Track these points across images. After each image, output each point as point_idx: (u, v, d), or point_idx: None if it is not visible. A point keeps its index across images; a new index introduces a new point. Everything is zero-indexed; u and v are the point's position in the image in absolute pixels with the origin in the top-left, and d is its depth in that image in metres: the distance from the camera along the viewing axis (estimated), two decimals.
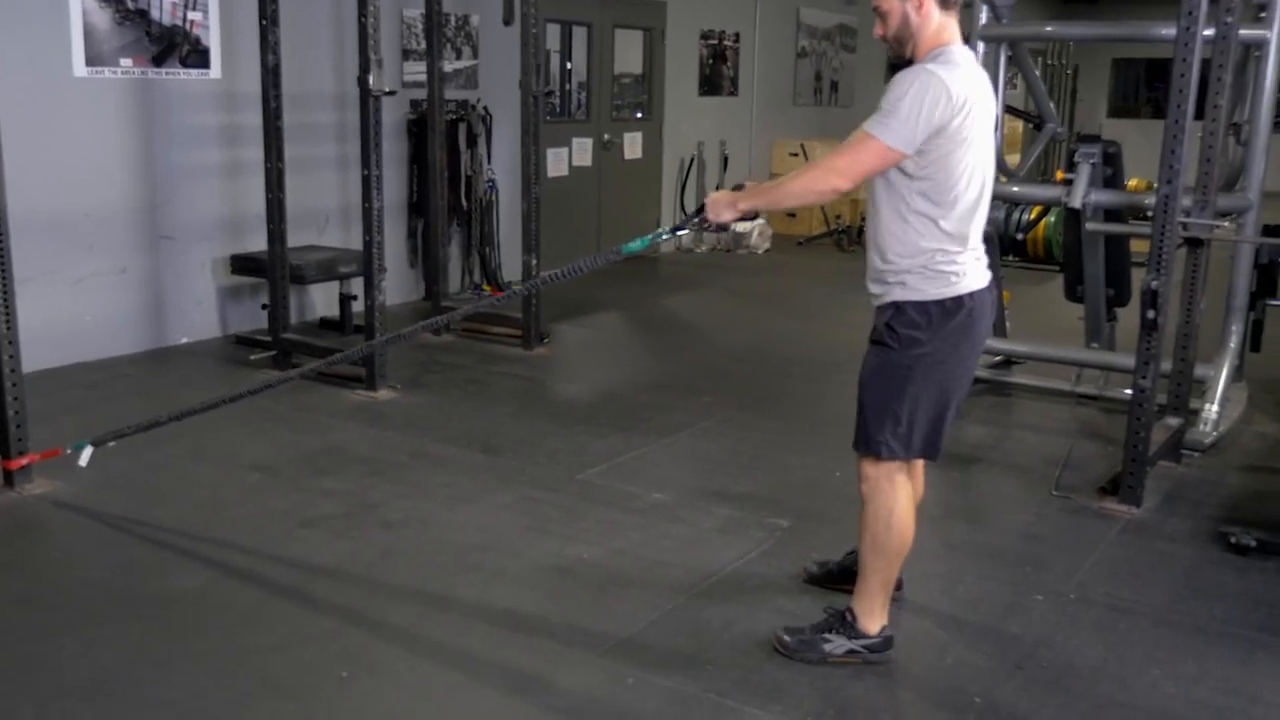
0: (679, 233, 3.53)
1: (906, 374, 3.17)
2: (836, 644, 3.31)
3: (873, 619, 3.31)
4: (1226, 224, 5.19)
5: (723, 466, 5.02)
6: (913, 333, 3.14)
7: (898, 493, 3.25)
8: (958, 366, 3.21)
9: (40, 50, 6.03)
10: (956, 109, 2.97)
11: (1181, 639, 3.52)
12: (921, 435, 3.22)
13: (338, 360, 4.49)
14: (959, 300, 3.13)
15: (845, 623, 3.33)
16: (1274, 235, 5.66)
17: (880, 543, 3.28)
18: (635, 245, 3.52)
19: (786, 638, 3.37)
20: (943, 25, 3.10)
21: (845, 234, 11.67)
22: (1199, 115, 4.71)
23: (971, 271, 3.17)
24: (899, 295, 3.15)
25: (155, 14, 6.50)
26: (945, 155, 3.01)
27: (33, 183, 5.91)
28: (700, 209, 3.32)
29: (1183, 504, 4.66)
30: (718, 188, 11.29)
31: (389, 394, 5.89)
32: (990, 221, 6.14)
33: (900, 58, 3.18)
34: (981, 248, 3.23)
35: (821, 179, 3.08)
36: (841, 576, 3.68)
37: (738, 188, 3.37)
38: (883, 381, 3.21)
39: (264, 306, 6.63)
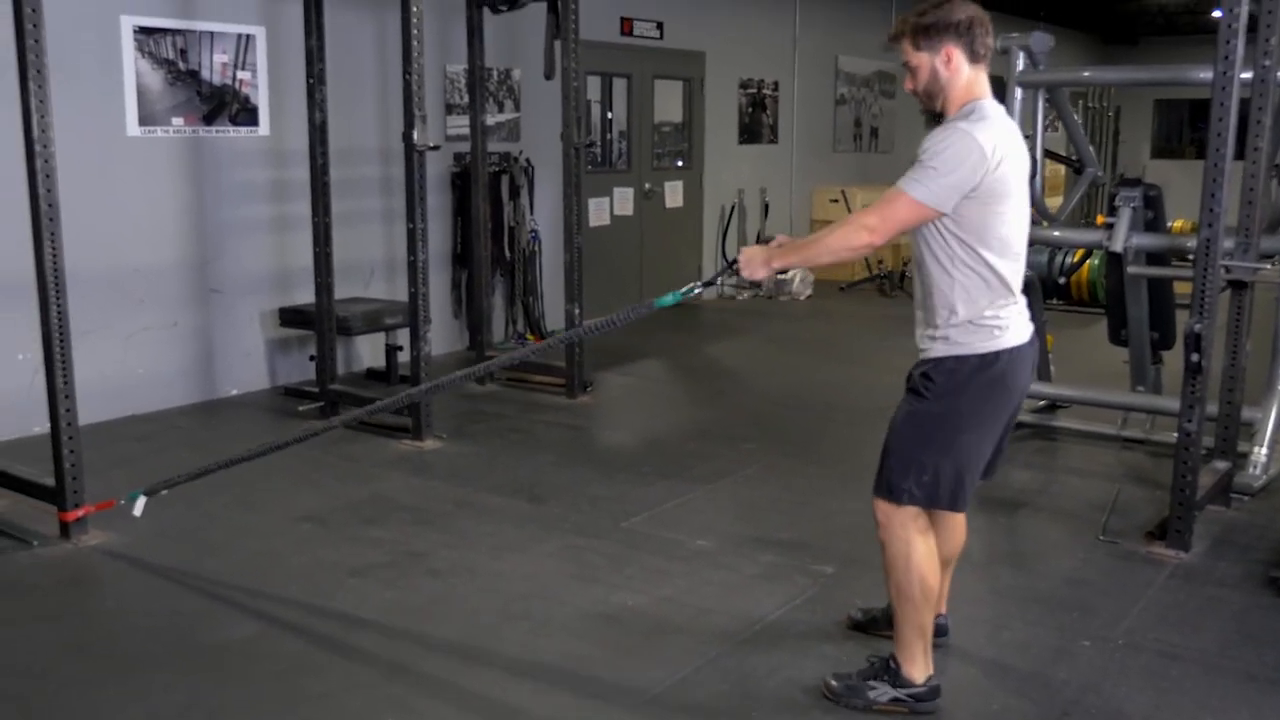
0: (710, 286, 3.54)
1: (937, 424, 3.18)
2: (881, 691, 3.31)
3: (915, 666, 3.30)
4: (1270, 266, 5.15)
5: (766, 513, 5.03)
6: (947, 384, 3.16)
7: (913, 537, 3.23)
8: (989, 420, 3.21)
9: (95, 111, 6.19)
10: (991, 166, 2.98)
11: (1233, 686, 3.48)
12: (947, 487, 3.20)
13: (379, 408, 4.52)
14: (997, 355, 3.14)
15: (890, 670, 3.32)
16: None
17: (904, 589, 3.26)
18: (668, 299, 3.53)
19: (834, 683, 3.37)
20: (972, 80, 3.12)
21: (888, 279, 11.67)
22: (1240, 156, 4.72)
23: (1014, 325, 3.18)
24: (942, 350, 3.17)
25: (206, 74, 6.67)
26: (984, 211, 3.03)
27: (87, 240, 6.06)
28: (733, 262, 3.34)
29: (1232, 548, 4.61)
30: (759, 235, 11.35)
31: (434, 443, 5.95)
32: (1032, 266, 6.18)
33: (930, 111, 3.21)
34: (1023, 300, 3.24)
35: (854, 235, 3.09)
36: (885, 623, 3.67)
37: (768, 240, 3.40)
38: (912, 430, 3.22)
39: (311, 358, 6.73)
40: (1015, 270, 3.17)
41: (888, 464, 3.26)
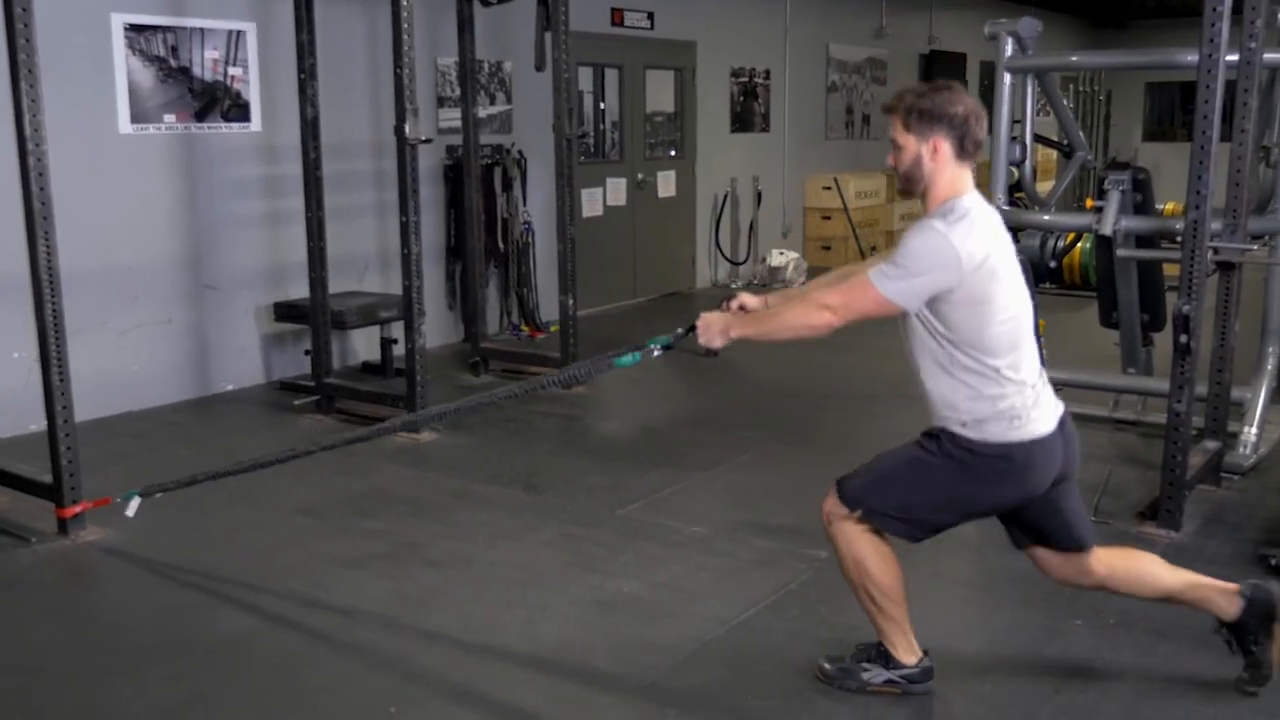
0: (669, 349, 3.42)
1: (932, 486, 3.13)
2: (875, 673, 3.34)
3: (901, 652, 3.33)
4: (1257, 247, 5.18)
5: (760, 500, 5.06)
6: (960, 458, 3.08)
7: (855, 539, 3.19)
8: (988, 501, 3.17)
9: (87, 109, 6.21)
10: (968, 271, 2.91)
11: (1222, 662, 3.51)
12: (910, 529, 3.18)
13: (384, 429, 4.50)
14: (1016, 447, 3.04)
15: (882, 653, 3.35)
16: None
17: (862, 587, 3.25)
18: (627, 359, 3.47)
19: (827, 666, 3.40)
20: (956, 176, 3.04)
21: None
22: (1226, 139, 4.75)
23: (1036, 414, 3.07)
24: (957, 430, 3.09)
25: (197, 71, 6.68)
26: (974, 314, 2.98)
27: (80, 237, 6.07)
28: (692, 328, 3.29)
29: (1222, 527, 4.65)
30: (752, 224, 11.39)
31: (430, 435, 5.98)
32: (1024, 250, 6.21)
33: (908, 193, 3.14)
34: (1044, 377, 3.15)
35: (816, 314, 3.07)
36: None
37: (729, 299, 3.38)
38: (905, 469, 3.17)
39: (307, 352, 6.75)
40: (1026, 357, 3.07)
41: (866, 477, 3.21)
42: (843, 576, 3.31)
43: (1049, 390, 3.16)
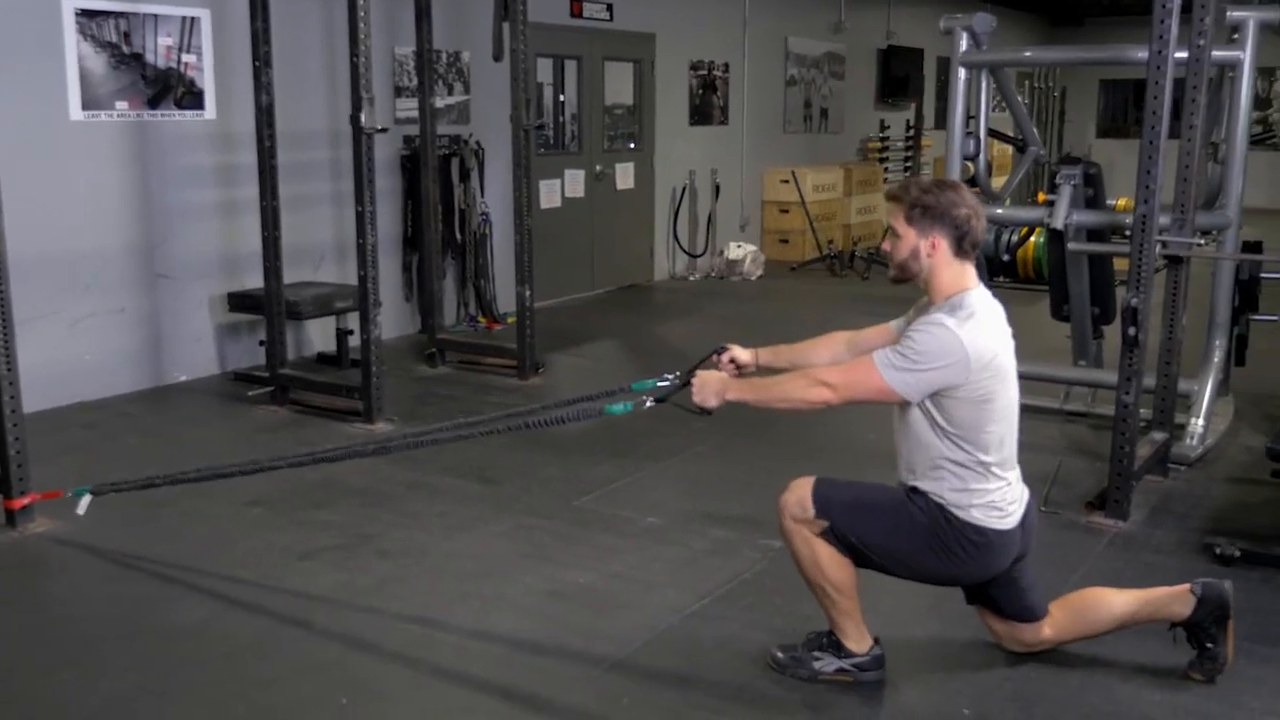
0: (662, 403, 3.39)
1: (905, 534, 3.17)
2: (826, 662, 3.37)
3: (852, 640, 3.36)
4: (1203, 241, 5.26)
5: (716, 490, 5.08)
6: (935, 523, 3.14)
7: (811, 536, 3.22)
8: (946, 573, 3.23)
9: (37, 95, 6.13)
10: (976, 369, 3.00)
11: (1166, 649, 3.56)
12: (858, 558, 3.22)
13: (355, 453, 4.34)
14: (994, 534, 3.14)
15: (833, 641, 3.38)
16: (1253, 252, 5.75)
17: (815, 582, 3.29)
18: (618, 409, 3.45)
19: (779, 654, 3.43)
20: (959, 272, 3.10)
21: (838, 259, 11.77)
22: (1176, 135, 4.82)
23: (1013, 507, 3.18)
24: (937, 497, 3.15)
25: (150, 57, 6.61)
26: (975, 410, 3.06)
27: (30, 225, 6.00)
28: (687, 382, 3.28)
29: (1169, 517, 4.72)
30: (710, 217, 11.41)
31: (385, 426, 5.96)
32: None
33: (900, 281, 3.20)
34: (1019, 471, 3.25)
35: (815, 390, 3.08)
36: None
37: (721, 353, 3.40)
38: (888, 510, 3.21)
39: (261, 343, 6.71)
40: (1011, 453, 3.18)
41: (847, 496, 3.24)
42: (796, 570, 3.33)
43: (1020, 482, 3.25)
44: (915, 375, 3.01)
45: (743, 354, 3.43)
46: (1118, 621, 3.44)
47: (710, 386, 3.22)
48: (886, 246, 3.20)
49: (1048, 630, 3.43)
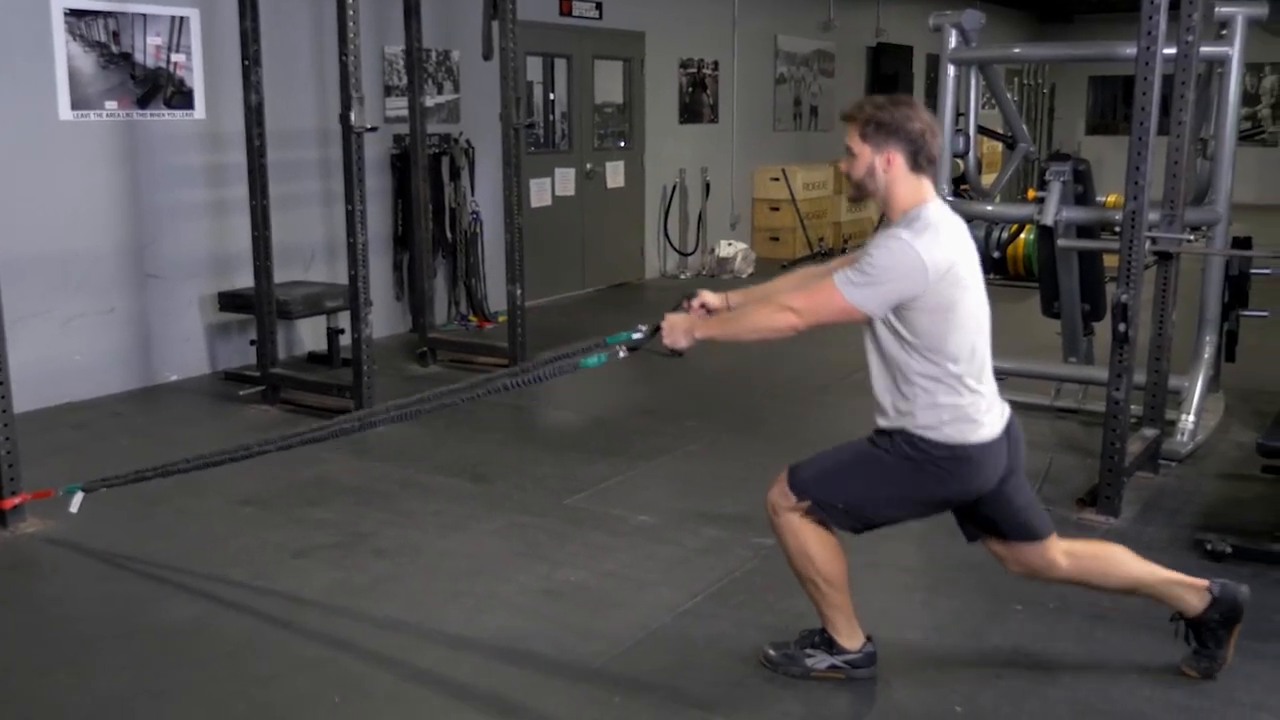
0: (633, 350, 3.42)
1: (883, 479, 3.17)
2: (819, 659, 3.37)
3: (844, 637, 3.36)
4: (1192, 237, 5.28)
5: (708, 488, 5.09)
6: (911, 455, 3.12)
7: (800, 527, 3.23)
8: (935, 500, 3.21)
9: (26, 95, 6.12)
10: (933, 279, 2.96)
11: (1158, 644, 3.58)
12: (854, 522, 3.22)
13: (341, 429, 4.39)
14: (969, 448, 3.10)
15: (825, 639, 3.39)
16: (1243, 247, 5.77)
17: (806, 575, 3.28)
18: (593, 360, 3.51)
19: (771, 652, 3.44)
20: (916, 186, 3.09)
21: (828, 257, 11.79)
22: (1166, 132, 4.83)
23: (990, 417, 3.13)
24: (901, 424, 3.13)
25: (139, 57, 6.60)
26: (937, 320, 3.02)
27: (20, 225, 6.01)
28: (657, 329, 3.30)
29: (1160, 513, 4.74)
30: (700, 215, 11.42)
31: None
32: None
33: (858, 200, 3.21)
34: (995, 385, 3.19)
35: (780, 317, 3.09)
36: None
37: (690, 298, 3.40)
38: (856, 463, 3.21)
39: (252, 342, 6.70)
40: (983, 366, 3.14)
41: (816, 468, 3.24)
42: (787, 565, 3.34)
43: (998, 397, 3.20)
44: (875, 290, 2.99)
45: (712, 298, 3.42)
46: (1131, 583, 3.40)
47: (679, 328, 3.25)
48: (844, 167, 3.18)
49: (1065, 562, 3.35)
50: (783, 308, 3.10)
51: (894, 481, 3.17)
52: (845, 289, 3.01)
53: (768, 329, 3.14)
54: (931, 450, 3.10)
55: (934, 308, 3.01)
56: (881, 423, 3.19)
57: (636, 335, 3.41)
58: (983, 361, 3.14)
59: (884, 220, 3.19)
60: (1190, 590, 3.39)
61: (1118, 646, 3.58)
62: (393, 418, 4.24)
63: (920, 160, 3.07)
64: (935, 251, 2.98)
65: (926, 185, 3.11)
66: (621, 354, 3.44)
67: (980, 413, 3.11)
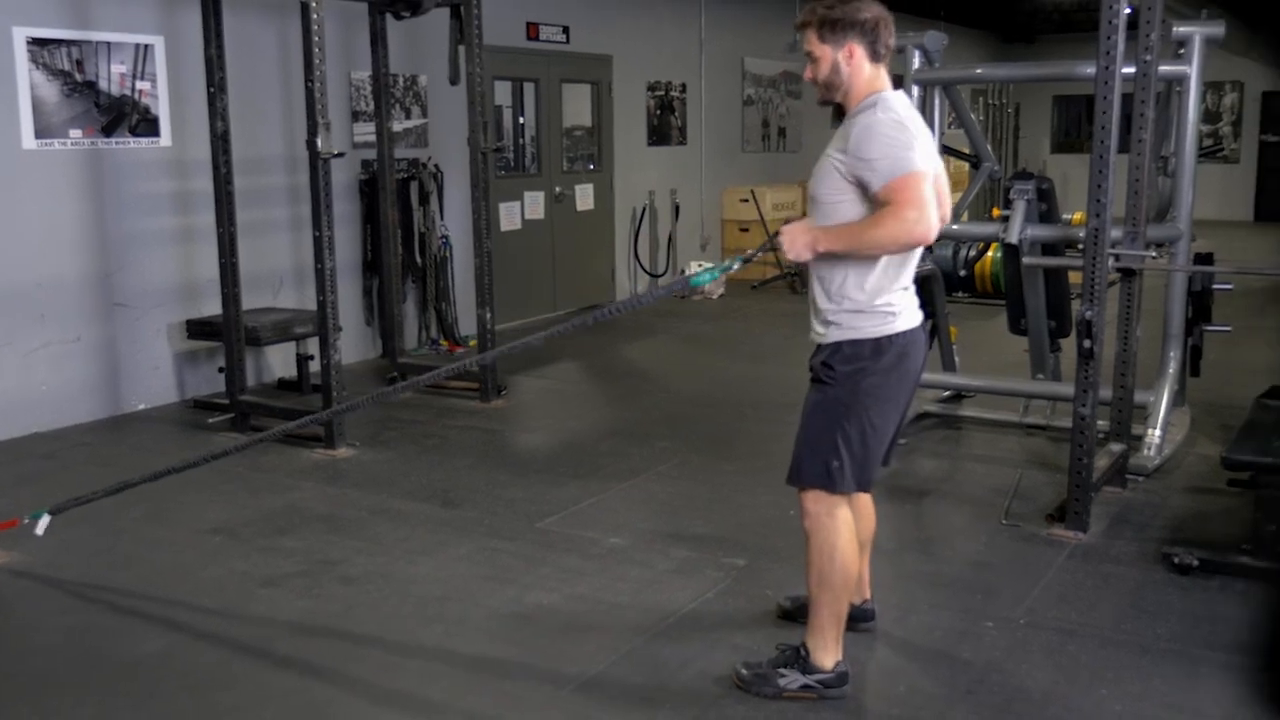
0: (750, 262, 3.52)
1: (844, 409, 3.26)
2: (791, 679, 3.38)
3: (826, 654, 3.38)
4: (1155, 254, 5.33)
5: (679, 509, 5.09)
6: (849, 368, 3.25)
7: (840, 526, 3.32)
8: (891, 401, 3.32)
9: None
10: (911, 141, 3.11)
11: (1127, 658, 3.61)
12: (856, 470, 3.30)
13: (304, 423, 4.53)
14: (891, 339, 3.25)
15: (800, 658, 3.39)
16: (1205, 263, 5.83)
17: (826, 577, 3.34)
18: (705, 278, 3.48)
19: (744, 671, 3.43)
20: (873, 76, 3.23)
21: (798, 277, 11.82)
22: (1128, 150, 4.88)
23: (906, 310, 3.29)
24: (836, 336, 3.27)
25: (104, 85, 6.57)
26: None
27: None
28: (775, 236, 3.25)
29: (1128, 527, 4.77)
30: (670, 237, 11.44)
31: (348, 451, 5.93)
32: (936, 260, 6.33)
33: (827, 101, 3.32)
34: (913, 287, 3.34)
35: (911, 230, 3.01)
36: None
37: (778, 235, 3.30)
38: (821, 417, 3.31)
39: (221, 370, 6.67)
40: (909, 257, 3.27)
41: (801, 452, 3.34)
42: (808, 574, 3.37)
43: (915, 296, 3.34)
44: (908, 149, 3.06)
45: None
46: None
47: (800, 239, 3.17)
48: (809, 74, 3.29)
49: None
50: (907, 222, 3.00)
51: (855, 404, 3.25)
52: (907, 165, 3.03)
53: (904, 236, 3.04)
54: (859, 351, 3.23)
55: None
56: (817, 339, 3.32)
57: (747, 254, 3.44)
58: (912, 259, 3.27)
59: (843, 114, 3.27)
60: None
61: (1088, 662, 3.59)
62: (357, 404, 4.30)
63: (879, 49, 3.22)
64: (906, 124, 3.13)
65: (883, 75, 3.25)
66: (735, 268, 3.51)
67: (900, 305, 3.25)
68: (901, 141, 3.08)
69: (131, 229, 6.78)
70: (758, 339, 9.18)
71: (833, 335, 3.27)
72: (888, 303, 3.23)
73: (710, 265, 3.54)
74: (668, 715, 3.31)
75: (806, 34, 3.25)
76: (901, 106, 3.21)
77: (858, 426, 3.26)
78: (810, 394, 3.37)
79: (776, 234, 3.26)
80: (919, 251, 3.29)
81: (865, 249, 3.14)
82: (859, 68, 3.21)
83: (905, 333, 3.27)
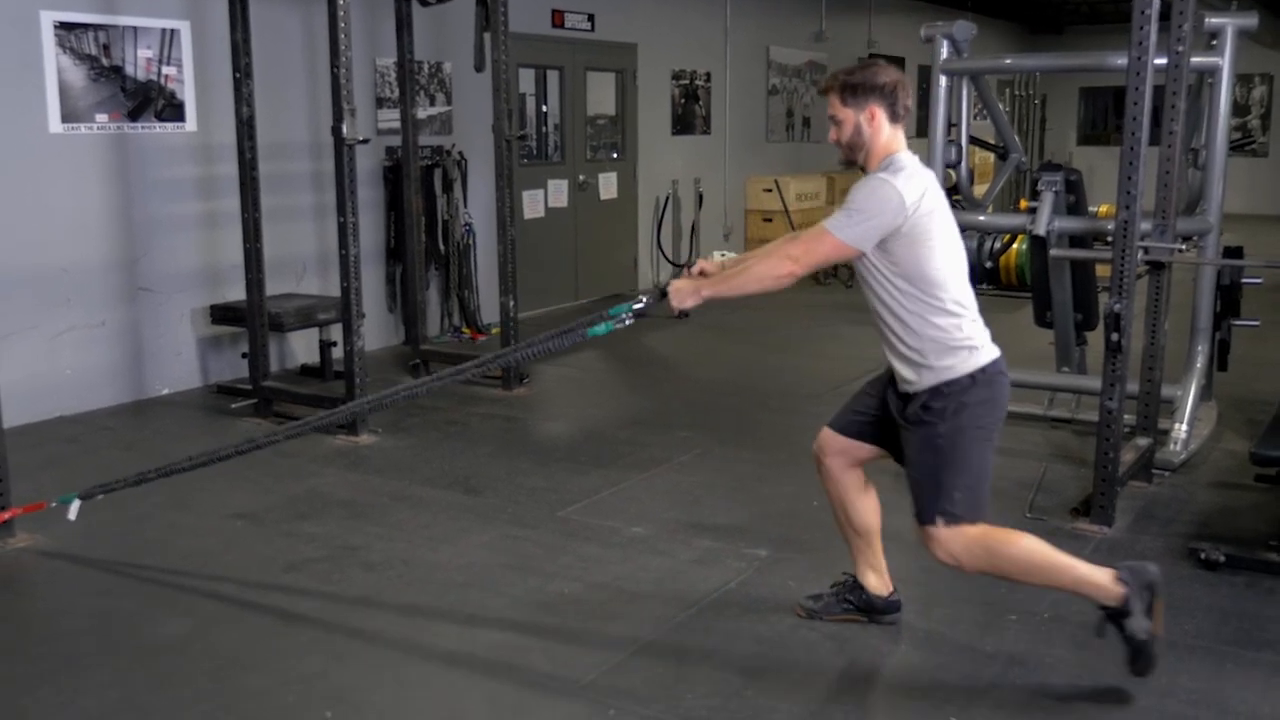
0: (642, 316, 3.60)
1: (951, 445, 3.31)
2: (1133, 626, 3.29)
3: (1102, 590, 3.31)
4: (1184, 247, 5.28)
5: (701, 499, 5.08)
6: (948, 407, 3.30)
7: (994, 545, 3.33)
8: (991, 431, 3.37)
9: (16, 108, 6.10)
10: (910, 211, 3.20)
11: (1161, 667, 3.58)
12: (974, 499, 3.34)
13: (328, 417, 4.53)
14: (984, 369, 3.32)
15: (1109, 617, 3.32)
16: (1234, 257, 5.78)
17: (1031, 572, 3.36)
18: (600, 329, 3.65)
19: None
20: (892, 136, 3.36)
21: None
22: (1157, 142, 4.84)
23: (985, 341, 3.36)
24: (931, 380, 3.31)
25: (130, 70, 6.59)
26: (915, 248, 3.24)
27: (10, 239, 6.00)
28: (663, 293, 3.47)
29: (1153, 522, 4.73)
30: (693, 226, 11.42)
31: (370, 438, 5.94)
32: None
33: (851, 162, 3.44)
34: (980, 317, 3.39)
35: (779, 265, 3.29)
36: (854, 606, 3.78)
37: (688, 266, 3.58)
38: (932, 455, 3.34)
39: (244, 355, 6.68)
40: (964, 292, 3.34)
41: (922, 494, 3.37)
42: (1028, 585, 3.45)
43: (985, 327, 3.40)
44: (863, 226, 3.21)
45: (710, 265, 3.66)
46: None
47: (684, 290, 3.41)
48: (833, 136, 3.42)
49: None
50: (782, 257, 3.31)
51: (961, 439, 3.31)
52: (835, 230, 3.23)
53: (770, 278, 3.31)
54: (955, 389, 3.28)
55: (912, 236, 3.22)
56: (908, 388, 3.37)
57: (637, 305, 3.57)
58: (963, 293, 3.33)
59: (864, 171, 3.41)
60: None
61: (1112, 657, 3.55)
62: (382, 400, 4.50)
63: (897, 110, 3.35)
64: (911, 184, 3.23)
65: (900, 136, 3.38)
66: (627, 321, 3.61)
67: (977, 334, 3.33)
68: (868, 209, 3.21)
69: (156, 214, 6.80)
70: (780, 328, 9.14)
71: (927, 380, 3.32)
72: (965, 337, 3.31)
73: (609, 315, 3.62)
74: (689, 705, 3.30)
75: (830, 99, 3.40)
76: (913, 170, 3.29)
77: (969, 458, 3.31)
78: (910, 437, 3.40)
79: (664, 291, 3.46)
80: (966, 283, 3.34)
81: (743, 289, 3.35)
82: (879, 129, 3.34)
83: (991, 364, 3.34)
